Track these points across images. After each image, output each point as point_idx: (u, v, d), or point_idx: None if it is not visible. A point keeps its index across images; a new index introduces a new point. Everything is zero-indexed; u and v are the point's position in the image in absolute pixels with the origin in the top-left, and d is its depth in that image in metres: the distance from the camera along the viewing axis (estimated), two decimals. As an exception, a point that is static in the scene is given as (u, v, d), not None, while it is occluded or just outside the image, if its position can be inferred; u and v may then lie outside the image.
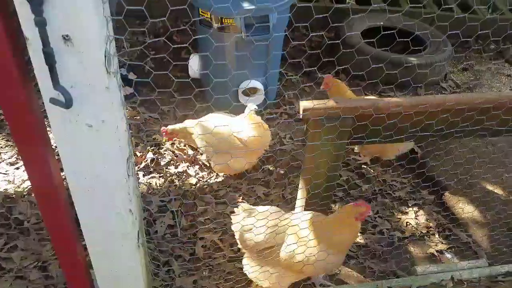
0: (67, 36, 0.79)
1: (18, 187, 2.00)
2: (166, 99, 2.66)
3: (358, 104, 1.53)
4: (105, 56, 0.84)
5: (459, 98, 1.61)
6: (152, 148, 2.35)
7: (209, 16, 2.36)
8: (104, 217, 1.09)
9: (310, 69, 2.75)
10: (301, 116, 1.54)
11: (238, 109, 2.21)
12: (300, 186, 1.78)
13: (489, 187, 2.33)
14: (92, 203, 1.06)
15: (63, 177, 1.06)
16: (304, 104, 1.52)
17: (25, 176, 2.04)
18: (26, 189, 1.98)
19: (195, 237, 1.90)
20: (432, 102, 1.58)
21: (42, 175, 0.99)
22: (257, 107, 2.12)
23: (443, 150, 2.46)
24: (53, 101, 0.83)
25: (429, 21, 3.47)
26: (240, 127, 2.10)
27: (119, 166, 1.01)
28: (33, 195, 1.86)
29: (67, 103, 0.85)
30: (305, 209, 1.74)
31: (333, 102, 1.54)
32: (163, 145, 2.39)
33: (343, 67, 3.03)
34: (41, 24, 0.73)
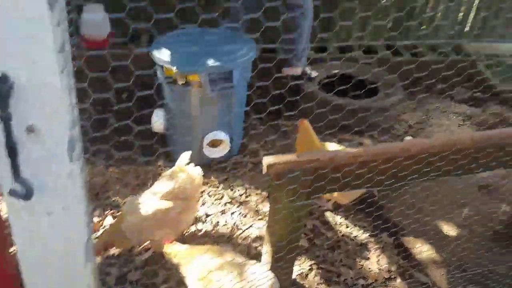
0: (31, 127, 0.79)
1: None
2: (128, 156, 2.69)
3: (318, 157, 1.63)
4: (68, 143, 0.84)
5: (407, 146, 1.75)
6: (111, 211, 2.34)
7: (173, 73, 2.45)
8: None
9: (273, 122, 2.88)
10: (264, 172, 1.62)
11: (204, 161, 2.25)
12: (265, 239, 1.85)
13: (443, 225, 2.47)
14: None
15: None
16: (267, 160, 1.61)
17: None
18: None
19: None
20: (386, 150, 1.70)
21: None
22: (189, 157, 2.10)
23: (398, 191, 2.61)
24: (13, 193, 0.83)
25: (381, 66, 3.73)
26: (165, 187, 2.04)
27: (78, 251, 1.01)
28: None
29: (28, 195, 0.84)
30: (271, 263, 1.81)
31: (294, 156, 1.63)
32: (122, 206, 2.39)
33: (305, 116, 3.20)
34: (6, 118, 0.73)
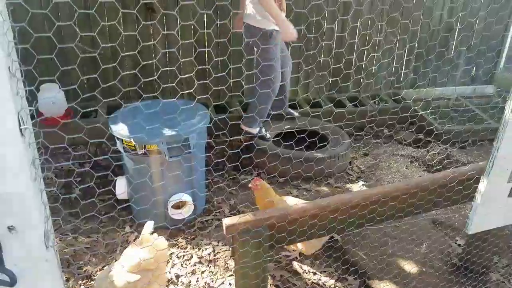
0: (11, 226, 0.92)
1: None
2: (95, 225, 2.69)
3: (272, 214, 1.75)
4: (44, 235, 0.97)
5: (348, 197, 1.91)
6: (84, 281, 2.32)
7: (133, 144, 2.54)
8: None
9: (233, 175, 2.99)
10: (225, 233, 1.71)
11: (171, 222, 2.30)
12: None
13: (404, 263, 2.61)
14: None
15: None
16: (226, 221, 1.70)
17: None
18: None
19: None
20: (333, 202, 1.84)
21: None
22: (152, 227, 2.13)
23: (359, 235, 2.75)
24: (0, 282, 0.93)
25: (325, 117, 4.03)
26: (131, 259, 2.03)
27: None
28: None
29: (11, 283, 0.95)
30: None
31: (250, 216, 1.75)
32: (94, 275, 2.37)
33: (261, 170, 3.36)
34: None
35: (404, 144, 4.11)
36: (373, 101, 4.57)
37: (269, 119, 3.76)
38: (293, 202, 2.43)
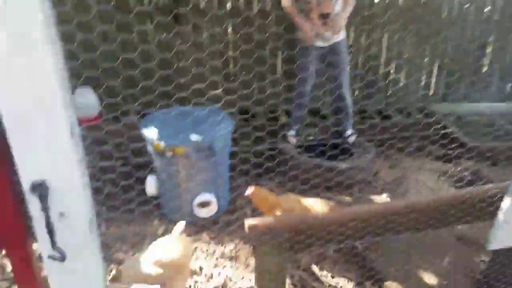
0: (62, 213, 1.07)
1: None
2: (126, 218, 2.85)
3: (293, 220, 1.83)
4: (89, 223, 1.12)
5: (374, 208, 1.96)
6: (115, 266, 2.46)
7: (161, 147, 2.71)
8: None
9: (257, 180, 3.09)
10: (247, 231, 1.80)
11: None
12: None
13: (424, 274, 2.62)
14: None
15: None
16: (248, 222, 1.80)
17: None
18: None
19: None
20: (351, 213, 1.90)
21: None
22: (184, 225, 2.25)
23: (381, 244, 2.78)
24: (51, 257, 1.09)
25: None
26: (159, 253, 2.16)
27: None
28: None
29: (62, 258, 1.11)
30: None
31: (272, 219, 1.83)
32: (123, 262, 2.51)
33: (281, 178, 3.45)
34: (45, 209, 1.01)
35: (432, 158, 4.09)
36: (402, 114, 4.57)
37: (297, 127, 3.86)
38: (295, 199, 2.49)
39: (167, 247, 2.20)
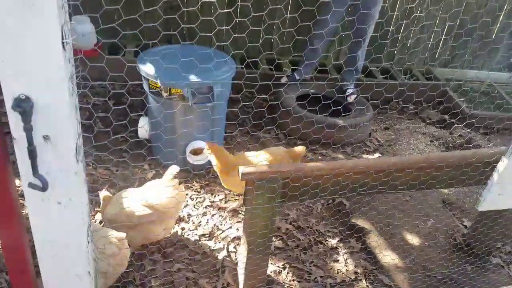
0: (47, 136, 0.99)
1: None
2: (116, 158, 2.81)
3: (287, 169, 1.80)
4: (76, 149, 1.04)
5: (367, 162, 1.94)
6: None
7: (158, 86, 2.60)
8: (66, 279, 1.23)
9: (254, 132, 3.04)
10: (240, 179, 1.78)
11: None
12: (242, 239, 2.00)
13: (408, 234, 2.66)
14: (56, 267, 1.20)
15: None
16: (242, 169, 1.77)
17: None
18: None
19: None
20: (346, 165, 1.88)
21: (13, 243, 1.14)
22: (177, 170, 2.24)
23: (368, 205, 2.80)
24: (31, 185, 1.02)
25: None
26: (150, 194, 2.17)
27: (81, 234, 1.19)
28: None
29: (43, 187, 1.04)
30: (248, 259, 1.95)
31: (266, 167, 1.81)
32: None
33: (281, 130, 3.40)
34: (28, 129, 0.93)
35: (428, 122, 4.06)
36: (405, 76, 4.48)
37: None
38: (249, 159, 2.43)
39: (159, 190, 2.18)
